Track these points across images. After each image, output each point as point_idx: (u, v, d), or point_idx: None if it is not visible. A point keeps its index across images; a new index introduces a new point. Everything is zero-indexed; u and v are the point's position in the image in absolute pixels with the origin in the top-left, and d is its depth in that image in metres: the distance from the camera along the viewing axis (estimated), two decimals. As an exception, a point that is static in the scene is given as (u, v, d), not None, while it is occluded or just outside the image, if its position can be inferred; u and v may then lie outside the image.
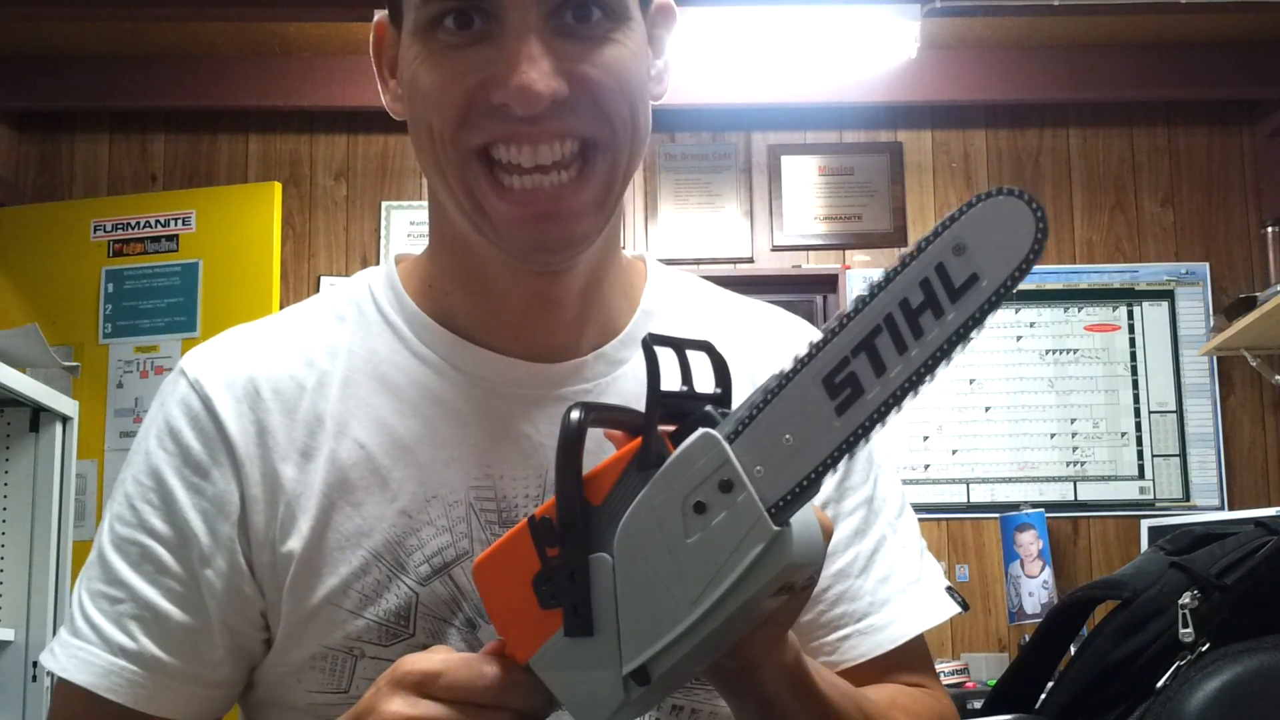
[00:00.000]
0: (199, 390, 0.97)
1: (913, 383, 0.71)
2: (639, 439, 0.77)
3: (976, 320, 0.70)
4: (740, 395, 1.03)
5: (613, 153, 0.92)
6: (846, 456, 0.72)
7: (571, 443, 0.76)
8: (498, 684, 0.77)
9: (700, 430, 0.74)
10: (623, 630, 0.75)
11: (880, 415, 0.71)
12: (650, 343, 0.77)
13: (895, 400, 0.71)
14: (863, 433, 0.71)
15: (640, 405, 0.77)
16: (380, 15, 0.99)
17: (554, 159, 0.90)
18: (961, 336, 0.70)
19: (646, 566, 0.74)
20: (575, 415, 0.76)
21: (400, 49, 0.95)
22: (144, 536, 0.95)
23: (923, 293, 0.71)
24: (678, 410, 0.77)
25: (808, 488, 0.72)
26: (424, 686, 0.77)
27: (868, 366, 0.71)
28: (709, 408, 0.77)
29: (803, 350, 0.73)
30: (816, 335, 1.09)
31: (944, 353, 0.70)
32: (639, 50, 0.93)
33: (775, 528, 0.72)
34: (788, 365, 0.74)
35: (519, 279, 0.96)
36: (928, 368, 0.70)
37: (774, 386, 0.73)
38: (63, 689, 0.96)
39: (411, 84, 0.92)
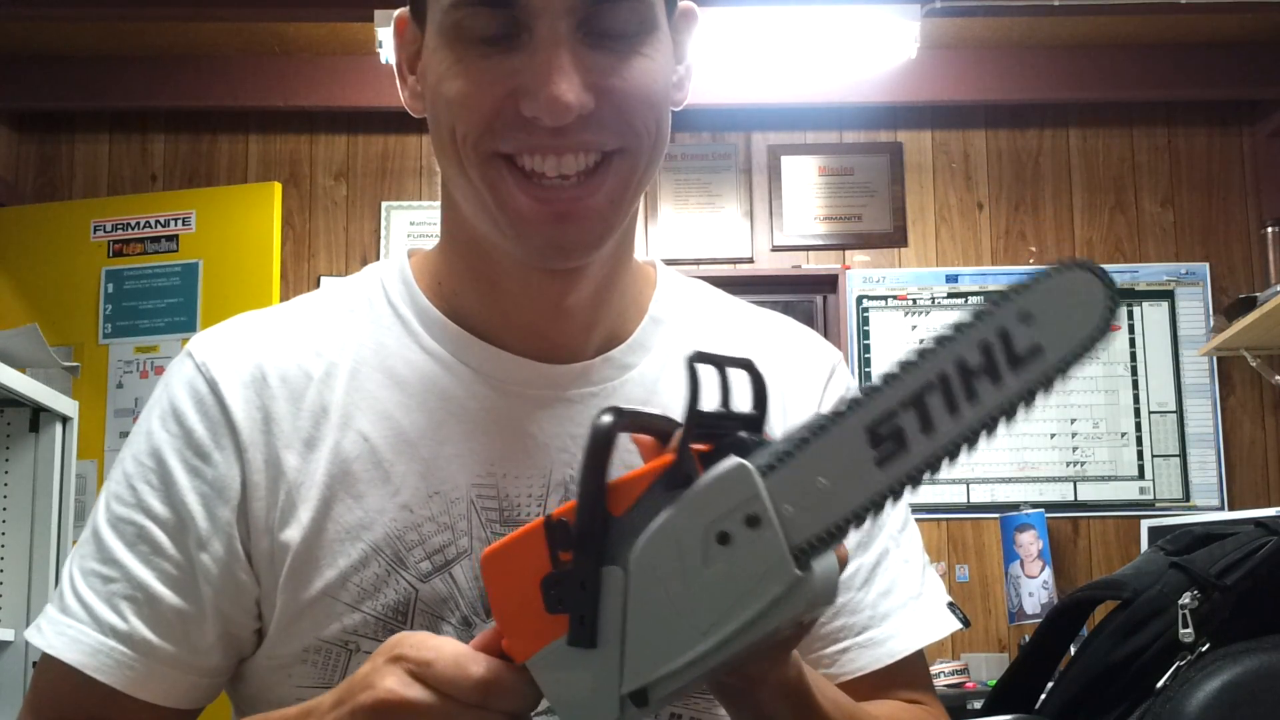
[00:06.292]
0: (205, 373, 0.97)
1: (959, 445, 0.69)
2: (669, 455, 0.74)
3: (1034, 392, 0.68)
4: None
5: (633, 158, 0.92)
6: (880, 510, 0.70)
7: (600, 447, 0.73)
8: (481, 686, 0.76)
9: (734, 459, 0.71)
10: (628, 649, 0.73)
11: (920, 473, 0.69)
12: (694, 360, 0.74)
13: (938, 460, 0.69)
14: (899, 488, 0.69)
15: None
16: (401, 10, 0.98)
17: (577, 169, 0.90)
18: (1016, 406, 0.68)
19: (661, 590, 0.72)
20: (607, 420, 0.73)
21: (424, 49, 0.94)
22: (141, 517, 0.95)
23: (983, 356, 0.68)
24: (710, 428, 0.75)
25: (835, 535, 0.70)
26: (418, 671, 0.77)
27: (915, 422, 0.69)
28: (744, 433, 0.74)
29: (852, 394, 0.72)
30: (826, 345, 1.10)
31: (995, 420, 0.68)
32: (665, 62, 0.93)
33: (797, 572, 0.69)
34: (834, 406, 0.71)
35: (530, 280, 0.96)
36: (976, 433, 0.68)
37: (816, 426, 0.71)
38: (48, 665, 0.96)
39: (436, 87, 0.92)
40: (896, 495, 0.70)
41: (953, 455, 0.69)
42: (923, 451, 0.69)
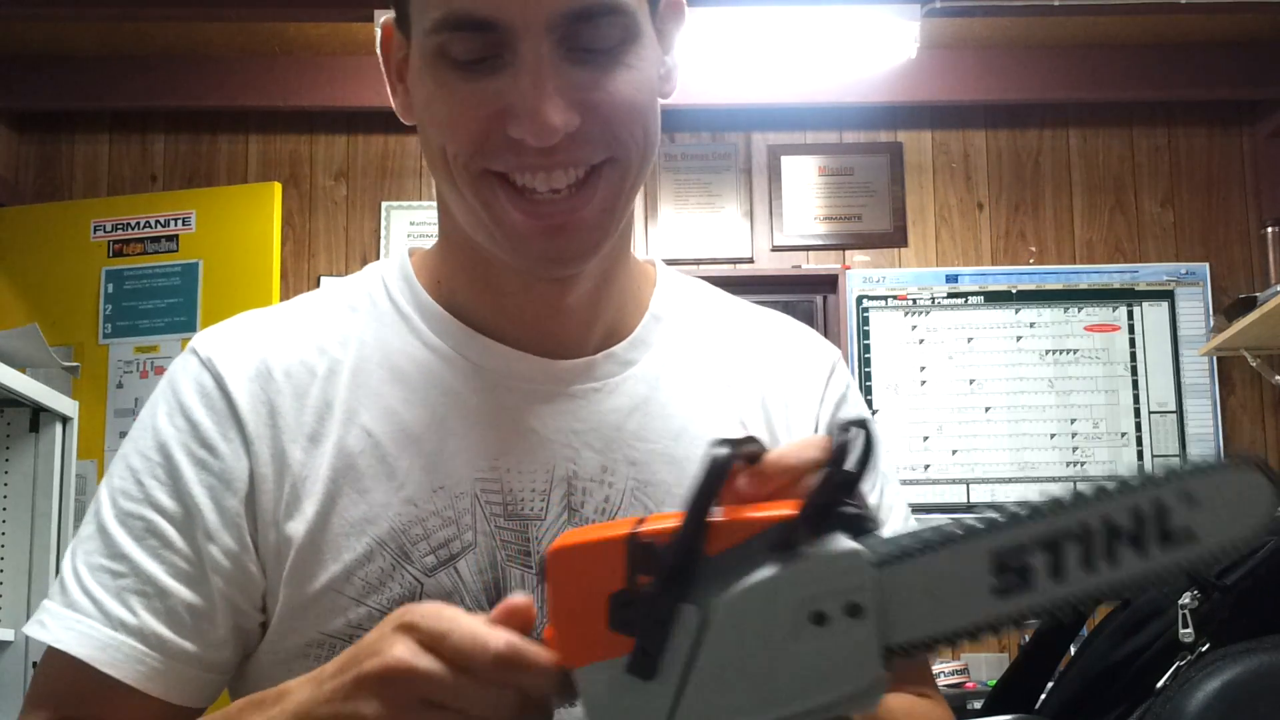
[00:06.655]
0: (211, 368, 0.98)
1: (1083, 602, 0.67)
2: (786, 508, 0.70)
3: (1175, 575, 0.67)
4: (746, 403, 1.03)
5: (623, 166, 0.93)
6: (984, 637, 0.68)
7: (714, 480, 0.70)
8: (499, 662, 0.72)
9: (850, 544, 0.69)
10: (686, 695, 0.70)
11: (1036, 615, 0.68)
12: (844, 427, 0.71)
13: (1059, 608, 0.67)
14: (1009, 623, 0.68)
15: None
16: (387, 18, 0.99)
17: (567, 182, 0.91)
18: (1154, 582, 0.67)
19: (738, 648, 0.69)
20: (723, 452, 0.71)
21: (410, 62, 0.95)
22: (149, 511, 0.95)
23: (1134, 523, 0.67)
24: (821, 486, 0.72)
25: (930, 647, 0.69)
26: (430, 642, 0.74)
27: (1045, 565, 0.67)
28: (855, 508, 0.71)
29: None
30: (825, 344, 1.10)
31: (1128, 588, 0.67)
32: (651, 68, 0.94)
33: (883, 671, 0.68)
34: (967, 523, 0.69)
35: (527, 283, 0.97)
36: (1105, 594, 0.67)
37: (944, 536, 0.69)
38: (51, 661, 0.95)
39: (425, 108, 0.93)
40: (1006, 629, 0.68)
41: (1076, 609, 0.67)
42: (1045, 596, 0.67)
